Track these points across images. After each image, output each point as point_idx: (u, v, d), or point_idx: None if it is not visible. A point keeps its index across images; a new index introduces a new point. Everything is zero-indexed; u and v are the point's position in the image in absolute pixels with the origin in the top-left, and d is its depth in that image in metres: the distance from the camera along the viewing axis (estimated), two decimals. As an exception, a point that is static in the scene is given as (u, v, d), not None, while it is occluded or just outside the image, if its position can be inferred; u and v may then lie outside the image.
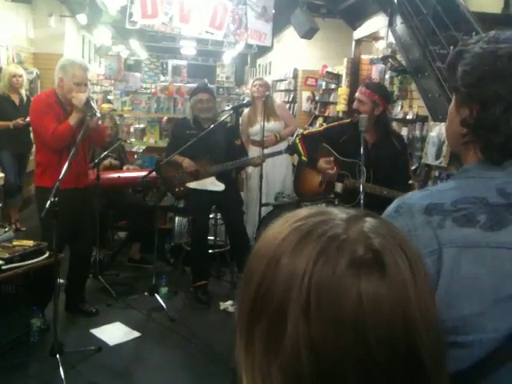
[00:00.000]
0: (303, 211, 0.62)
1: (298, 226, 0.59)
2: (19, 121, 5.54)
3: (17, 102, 5.75)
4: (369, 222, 0.59)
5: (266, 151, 4.88)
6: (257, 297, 0.58)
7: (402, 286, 0.55)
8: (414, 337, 0.54)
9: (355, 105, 3.60)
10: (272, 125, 5.32)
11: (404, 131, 5.25)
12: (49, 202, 2.91)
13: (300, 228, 0.58)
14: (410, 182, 3.96)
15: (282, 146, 5.33)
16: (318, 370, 0.54)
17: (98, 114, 3.55)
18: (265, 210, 4.86)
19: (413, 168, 4.81)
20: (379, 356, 0.53)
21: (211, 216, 4.85)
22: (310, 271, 0.55)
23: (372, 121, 3.54)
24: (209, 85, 6.76)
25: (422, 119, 5.02)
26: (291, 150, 4.58)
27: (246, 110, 5.59)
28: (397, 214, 0.96)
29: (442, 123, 4.44)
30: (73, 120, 3.57)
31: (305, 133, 4.08)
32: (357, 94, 3.64)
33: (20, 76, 5.76)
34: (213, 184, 4.46)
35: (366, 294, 0.53)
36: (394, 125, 5.51)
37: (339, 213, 0.61)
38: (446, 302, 0.87)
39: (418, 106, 5.20)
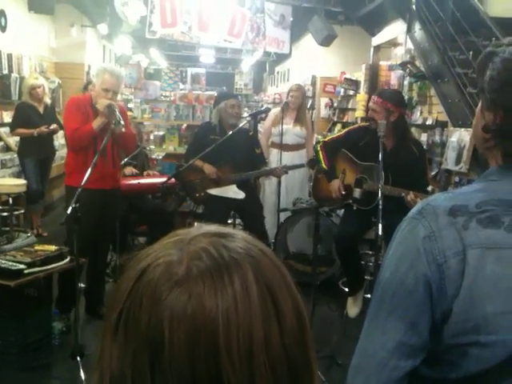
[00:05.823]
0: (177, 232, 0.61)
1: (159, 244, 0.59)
2: (43, 128, 5.63)
3: (41, 109, 5.81)
4: (204, 243, 0.56)
5: (287, 158, 4.87)
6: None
7: (208, 309, 0.51)
8: (217, 364, 0.51)
9: (370, 114, 3.64)
10: (297, 131, 5.33)
11: (423, 137, 5.22)
12: (70, 208, 2.93)
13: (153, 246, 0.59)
14: (429, 188, 3.95)
15: (303, 156, 5.34)
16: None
17: (122, 122, 3.59)
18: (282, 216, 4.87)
19: (433, 174, 4.78)
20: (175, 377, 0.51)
21: (230, 221, 4.86)
22: (128, 289, 0.55)
23: (390, 127, 3.55)
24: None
25: (441, 124, 4.99)
26: (313, 163, 4.54)
27: (276, 109, 5.58)
28: (421, 215, 0.95)
29: (462, 128, 4.40)
30: (96, 124, 3.63)
31: (326, 139, 4.07)
32: (370, 104, 3.67)
33: (39, 87, 5.76)
34: (234, 192, 4.45)
35: (169, 310, 0.52)
36: (414, 130, 5.48)
37: (193, 235, 0.58)
38: (469, 303, 0.87)
39: (437, 112, 5.17)
